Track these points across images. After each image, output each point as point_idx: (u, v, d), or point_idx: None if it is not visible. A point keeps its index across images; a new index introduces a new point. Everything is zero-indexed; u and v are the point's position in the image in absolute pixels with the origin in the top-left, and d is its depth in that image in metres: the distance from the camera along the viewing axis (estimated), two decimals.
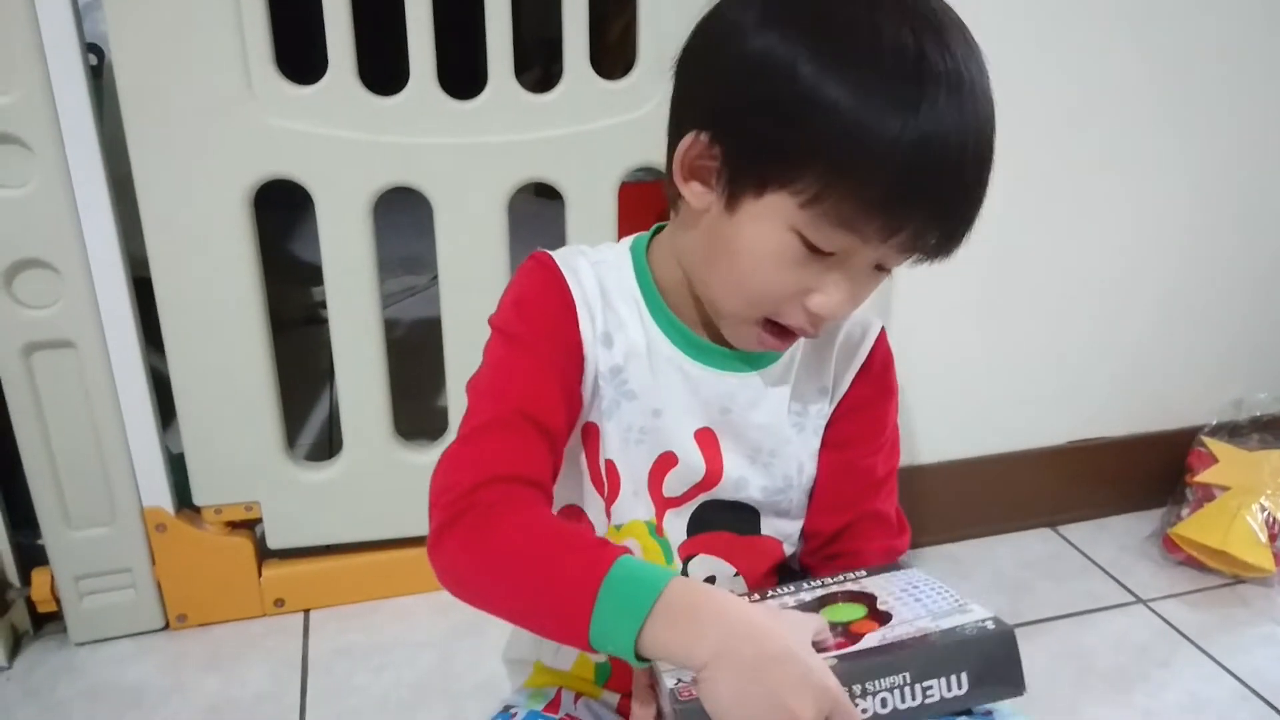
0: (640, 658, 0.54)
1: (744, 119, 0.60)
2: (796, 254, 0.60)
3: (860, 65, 0.56)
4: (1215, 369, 1.45)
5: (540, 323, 0.67)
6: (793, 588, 0.67)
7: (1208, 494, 1.35)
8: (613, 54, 1.10)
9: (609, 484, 0.70)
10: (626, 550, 0.57)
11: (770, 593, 0.68)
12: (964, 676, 0.56)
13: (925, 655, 0.57)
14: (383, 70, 1.07)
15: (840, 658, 0.56)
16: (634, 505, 0.70)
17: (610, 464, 0.70)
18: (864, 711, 0.55)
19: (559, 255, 0.71)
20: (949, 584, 0.65)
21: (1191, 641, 1.20)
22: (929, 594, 0.63)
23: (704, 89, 0.63)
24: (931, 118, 0.55)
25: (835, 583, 0.67)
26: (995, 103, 0.60)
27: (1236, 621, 1.24)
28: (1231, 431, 1.43)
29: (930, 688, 0.56)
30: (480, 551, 0.58)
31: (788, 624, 0.57)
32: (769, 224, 0.60)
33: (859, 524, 0.75)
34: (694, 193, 0.64)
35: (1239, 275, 1.41)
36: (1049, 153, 1.24)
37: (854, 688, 0.55)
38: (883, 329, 0.76)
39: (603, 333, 0.68)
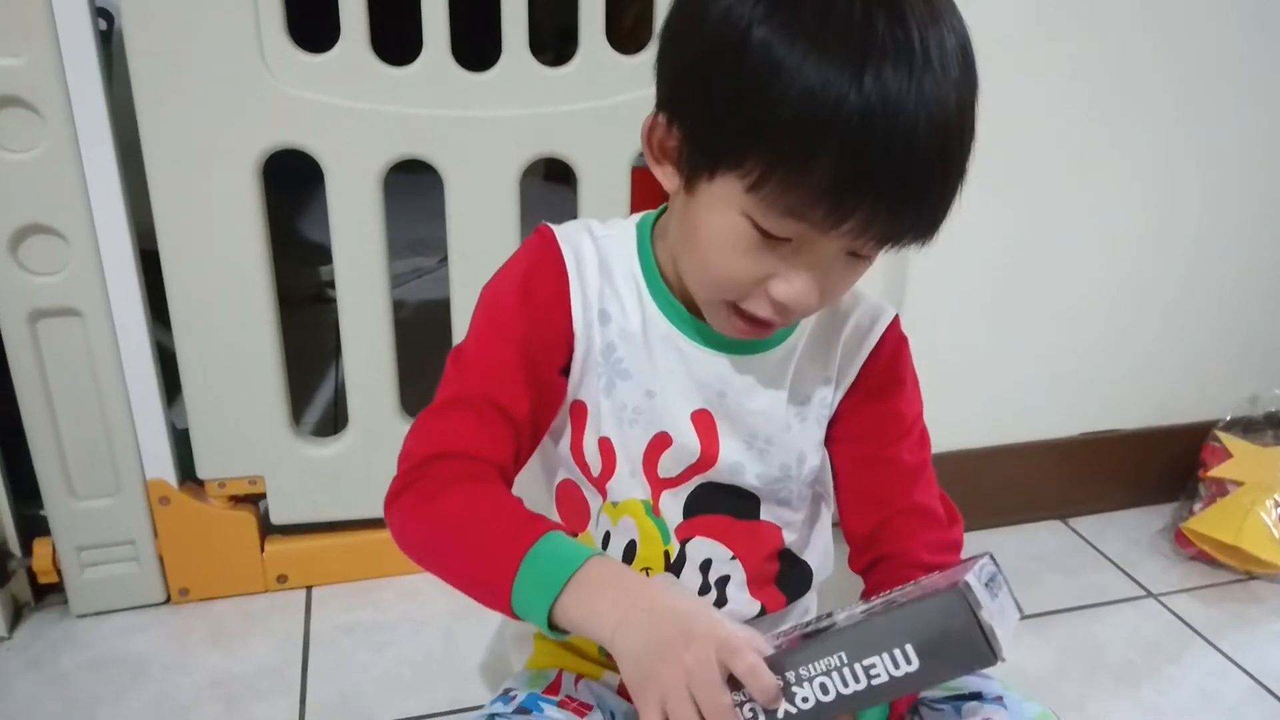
0: (555, 628, 0.57)
1: (693, 98, 0.59)
2: (751, 240, 0.58)
3: (807, 38, 0.53)
4: (1231, 364, 1.44)
5: (526, 305, 0.67)
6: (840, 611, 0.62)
7: (1221, 489, 1.34)
8: (627, 40, 1.08)
9: (604, 461, 0.69)
10: (558, 527, 0.59)
11: (805, 624, 0.62)
12: (909, 650, 0.50)
13: (858, 632, 0.52)
14: (396, 40, 1.06)
15: (775, 649, 0.54)
16: (631, 484, 0.70)
17: (605, 441, 0.69)
18: (805, 700, 0.52)
19: (562, 230, 0.70)
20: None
21: (1203, 637, 1.18)
22: (946, 577, 0.56)
23: (665, 66, 0.62)
24: (877, 93, 0.52)
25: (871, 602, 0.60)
26: (976, 84, 0.57)
27: (1248, 618, 1.22)
28: (1246, 427, 1.42)
29: (873, 667, 0.50)
30: (424, 519, 0.62)
31: (700, 599, 0.58)
32: (722, 208, 0.58)
33: (897, 520, 0.72)
34: (664, 174, 0.63)
35: (1256, 270, 1.39)
36: (1064, 147, 1.22)
37: (787, 675, 0.52)
38: (896, 317, 0.74)
39: (599, 310, 0.68)
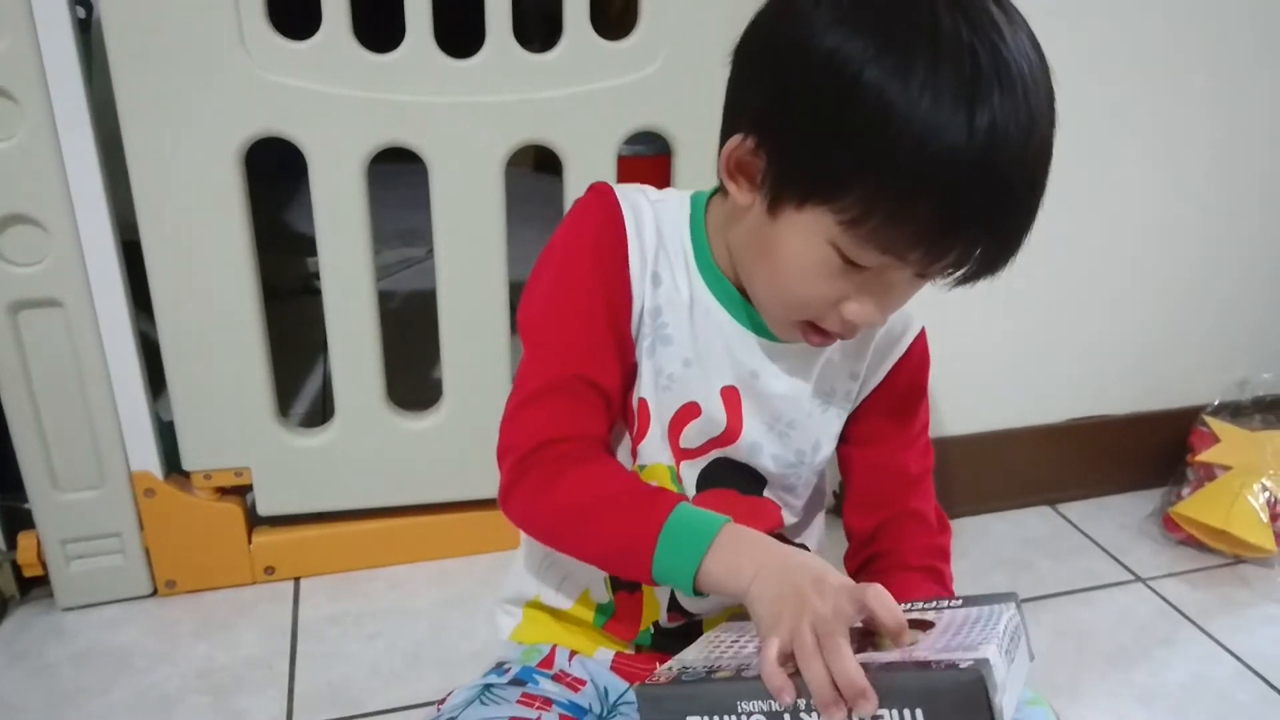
0: (697, 591, 0.60)
1: (790, 129, 0.59)
2: (835, 267, 0.60)
3: (919, 80, 0.53)
4: (1219, 349, 1.44)
5: (599, 266, 0.67)
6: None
7: (1209, 473, 1.34)
8: (615, 29, 1.07)
9: (639, 422, 0.70)
10: (682, 498, 0.63)
11: None
12: (918, 712, 0.52)
13: (876, 678, 0.53)
14: (379, 26, 1.05)
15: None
16: (659, 449, 0.70)
17: (643, 402, 0.70)
18: None
19: (620, 188, 0.70)
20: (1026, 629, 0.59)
21: (1192, 621, 1.19)
22: (976, 631, 0.57)
23: (757, 90, 0.62)
24: (986, 132, 0.53)
25: (913, 609, 0.63)
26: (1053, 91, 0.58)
27: (1237, 601, 1.23)
28: (1234, 412, 1.42)
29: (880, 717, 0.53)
30: (548, 507, 0.65)
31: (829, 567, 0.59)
32: (809, 236, 0.59)
33: (895, 522, 0.75)
34: (738, 190, 0.63)
35: (1244, 256, 1.39)
36: (1058, 135, 1.21)
37: (800, 707, 0.54)
38: (923, 330, 0.76)
39: (653, 272, 0.68)
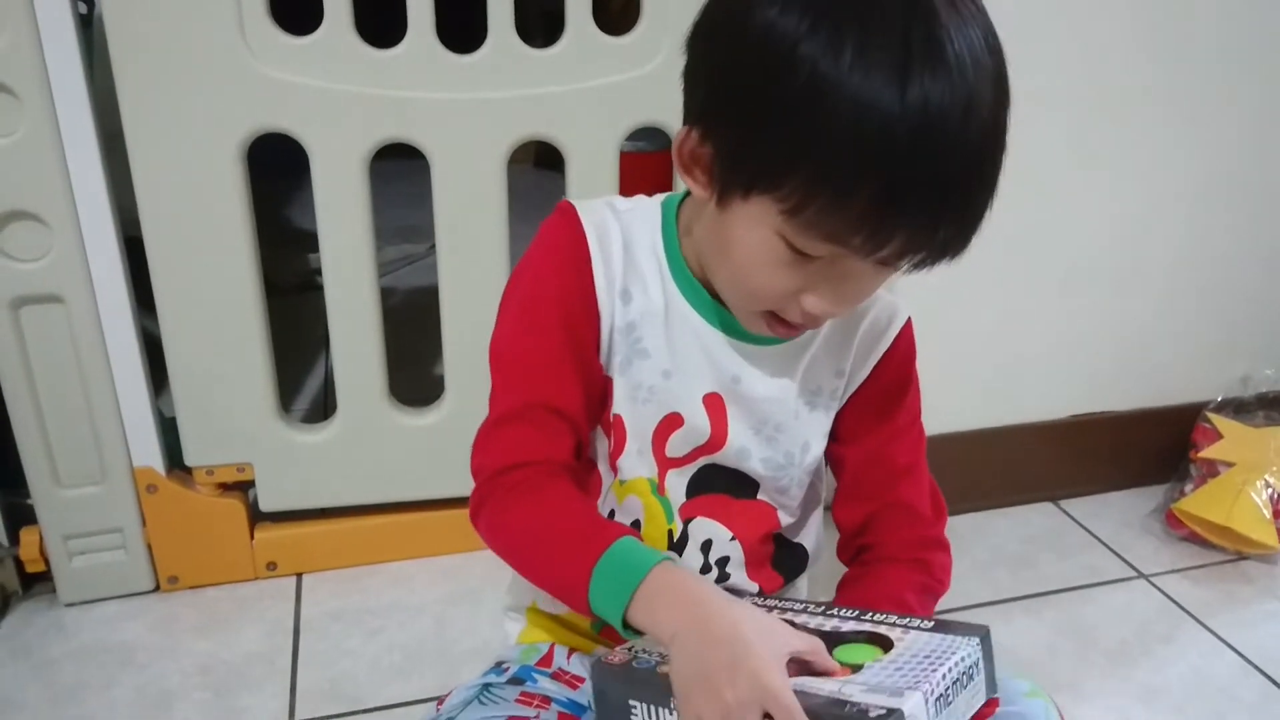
0: (635, 631, 0.59)
1: (729, 116, 0.58)
2: (785, 258, 0.58)
3: (850, 54, 0.52)
4: (1222, 345, 1.43)
5: (560, 288, 0.67)
6: (819, 609, 0.65)
7: (1212, 470, 1.34)
8: (617, 24, 1.07)
9: (614, 438, 0.70)
10: (627, 531, 0.62)
11: (780, 603, 0.66)
12: None
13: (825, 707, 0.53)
14: (381, 22, 1.04)
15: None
16: (638, 463, 0.70)
17: (618, 418, 0.69)
18: None
19: (584, 205, 0.69)
20: (985, 668, 0.58)
21: (1194, 617, 1.18)
22: (916, 670, 0.56)
23: (701, 76, 0.61)
24: (919, 110, 0.51)
25: (871, 620, 0.63)
26: (1007, 78, 0.56)
27: (1239, 598, 1.22)
28: (1237, 408, 1.42)
29: None
30: (502, 530, 0.66)
31: (762, 624, 0.57)
32: (757, 228, 0.58)
33: (883, 515, 0.74)
34: (694, 184, 0.62)
35: (1248, 251, 1.39)
36: (1053, 126, 1.21)
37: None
38: (909, 319, 0.75)
39: (621, 289, 0.68)
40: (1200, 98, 1.27)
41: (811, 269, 0.59)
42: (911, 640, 0.59)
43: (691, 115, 0.61)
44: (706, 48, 0.60)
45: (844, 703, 0.52)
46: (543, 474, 0.65)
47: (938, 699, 0.53)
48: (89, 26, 1.05)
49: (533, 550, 0.65)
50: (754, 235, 0.59)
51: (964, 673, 0.56)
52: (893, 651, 0.58)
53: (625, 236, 0.68)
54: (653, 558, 0.59)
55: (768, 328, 0.65)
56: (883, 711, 0.51)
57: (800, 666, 0.56)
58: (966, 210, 0.56)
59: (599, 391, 0.69)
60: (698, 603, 0.57)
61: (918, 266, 0.59)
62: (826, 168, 0.53)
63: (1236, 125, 1.30)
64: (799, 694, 0.53)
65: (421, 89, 1.03)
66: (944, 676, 0.54)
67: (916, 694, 0.52)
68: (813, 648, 0.57)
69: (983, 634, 0.59)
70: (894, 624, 0.61)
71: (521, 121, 1.07)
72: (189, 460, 1.14)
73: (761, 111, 0.55)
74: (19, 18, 0.92)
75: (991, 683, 0.58)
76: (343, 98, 1.02)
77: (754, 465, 0.71)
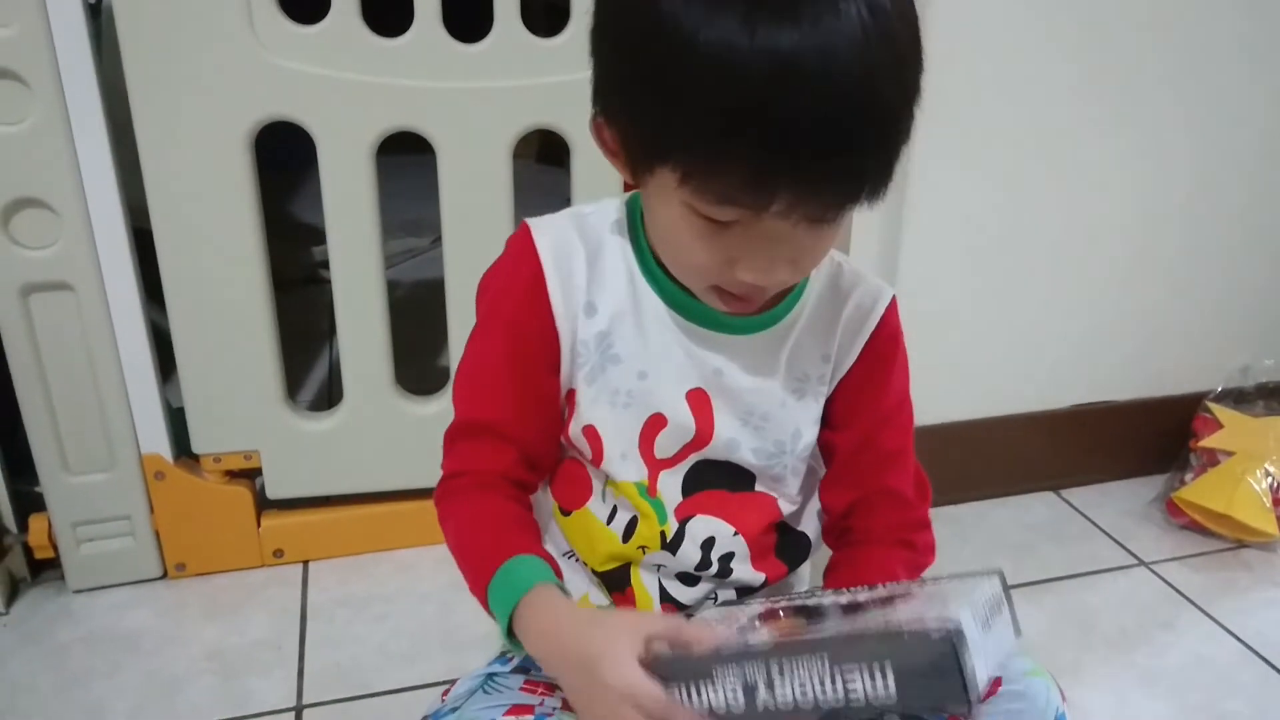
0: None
1: (619, 96, 0.59)
2: (701, 227, 0.58)
3: (706, 6, 0.51)
4: (1222, 335, 1.44)
5: (508, 312, 0.68)
6: (828, 592, 0.65)
7: (1212, 459, 1.35)
8: None
9: (591, 447, 0.70)
10: (525, 550, 0.64)
11: (789, 599, 0.65)
12: (887, 667, 0.50)
13: (846, 638, 0.52)
14: (388, 11, 1.05)
15: (776, 641, 0.54)
16: (623, 467, 0.70)
17: (590, 428, 0.69)
18: (781, 698, 0.52)
19: (541, 224, 0.69)
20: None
21: (1194, 604, 1.19)
22: (953, 600, 0.55)
23: (595, 60, 0.61)
24: (769, 56, 0.50)
25: (886, 587, 0.62)
26: (893, 18, 0.52)
27: (1239, 585, 1.23)
28: (1237, 398, 1.43)
29: (851, 678, 0.51)
30: (446, 533, 0.70)
31: (610, 629, 0.58)
32: (669, 202, 0.58)
33: (868, 500, 0.73)
34: (621, 170, 0.62)
35: (1248, 241, 1.39)
36: (1056, 116, 1.22)
37: (772, 664, 0.52)
38: (893, 299, 0.73)
39: (585, 303, 0.67)
40: (1205, 84, 1.27)
41: (731, 236, 0.58)
42: (934, 588, 0.59)
43: (595, 102, 0.61)
44: (598, 30, 0.61)
45: (900, 633, 0.52)
46: (479, 482, 0.68)
47: (981, 620, 0.52)
48: (98, 15, 1.06)
49: (458, 557, 0.68)
50: (669, 210, 0.59)
51: (993, 606, 0.55)
52: (916, 598, 0.58)
53: (591, 246, 0.68)
54: (524, 585, 0.62)
55: (721, 303, 0.64)
56: (942, 626, 0.49)
57: (675, 645, 0.56)
58: (852, 157, 0.54)
59: (555, 409, 0.70)
60: (552, 633, 0.60)
61: (826, 217, 0.57)
62: (696, 126, 0.53)
63: (1239, 117, 1.31)
64: (836, 634, 0.53)
65: (428, 78, 1.04)
66: (980, 602, 0.54)
67: (965, 611, 0.51)
68: (670, 625, 0.58)
69: (1000, 572, 0.58)
70: (909, 585, 0.61)
71: (527, 111, 1.08)
72: (196, 448, 1.15)
73: (637, 79, 0.56)
74: (29, 6, 0.93)
75: (1015, 622, 0.57)
76: (350, 86, 1.03)
77: (745, 456, 0.70)
